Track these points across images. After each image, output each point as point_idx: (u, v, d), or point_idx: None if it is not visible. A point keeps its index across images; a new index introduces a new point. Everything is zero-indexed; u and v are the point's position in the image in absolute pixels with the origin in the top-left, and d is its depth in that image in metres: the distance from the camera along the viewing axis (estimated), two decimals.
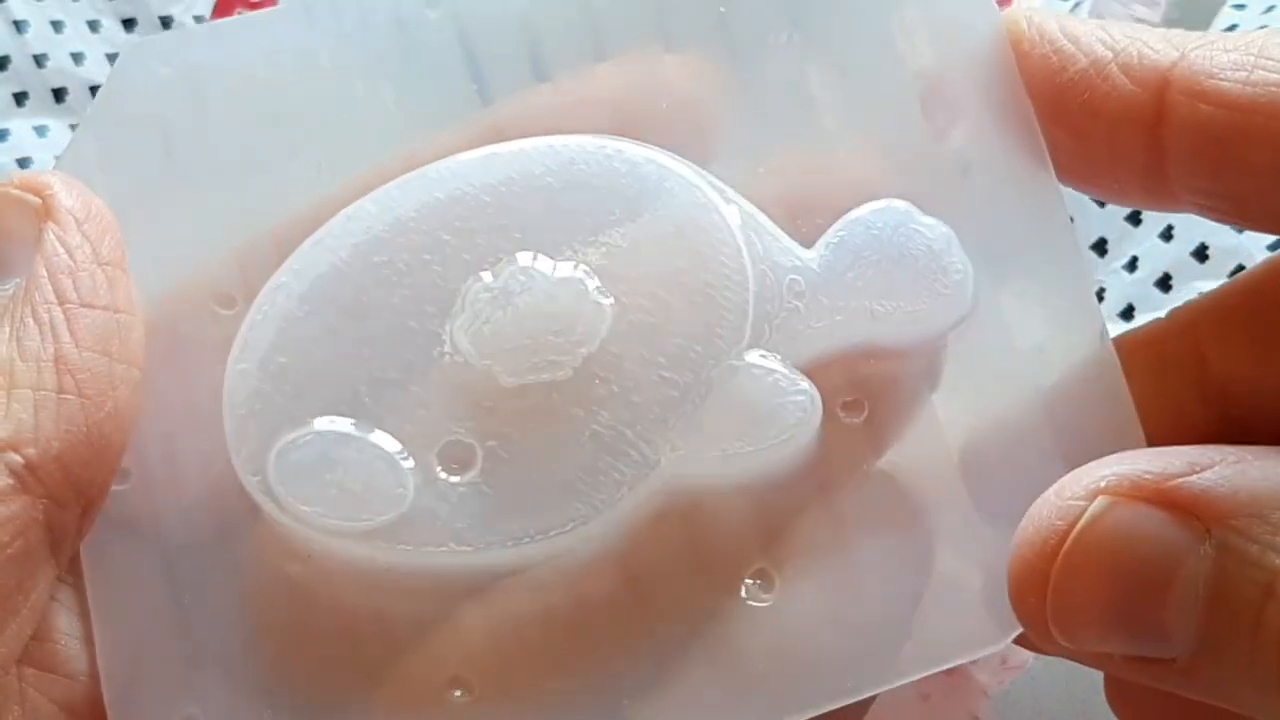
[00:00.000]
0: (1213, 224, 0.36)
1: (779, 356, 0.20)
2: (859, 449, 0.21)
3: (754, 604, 0.20)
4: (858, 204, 0.21)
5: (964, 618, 0.21)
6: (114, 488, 0.20)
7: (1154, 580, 0.18)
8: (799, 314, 0.21)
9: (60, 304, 0.19)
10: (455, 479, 0.20)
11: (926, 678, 0.21)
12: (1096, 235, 0.39)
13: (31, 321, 0.19)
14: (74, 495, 0.18)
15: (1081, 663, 0.19)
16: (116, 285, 0.19)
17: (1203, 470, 0.18)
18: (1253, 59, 0.19)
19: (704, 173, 0.21)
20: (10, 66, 0.40)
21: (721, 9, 0.22)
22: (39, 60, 0.40)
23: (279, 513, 0.19)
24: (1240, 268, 0.36)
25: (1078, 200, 0.37)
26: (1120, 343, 0.22)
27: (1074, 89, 0.20)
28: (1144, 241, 0.38)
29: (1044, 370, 0.21)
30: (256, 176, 0.21)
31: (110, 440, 0.19)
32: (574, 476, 0.20)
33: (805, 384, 0.20)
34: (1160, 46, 0.20)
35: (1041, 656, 0.32)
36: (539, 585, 0.20)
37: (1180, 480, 0.18)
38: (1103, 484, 0.18)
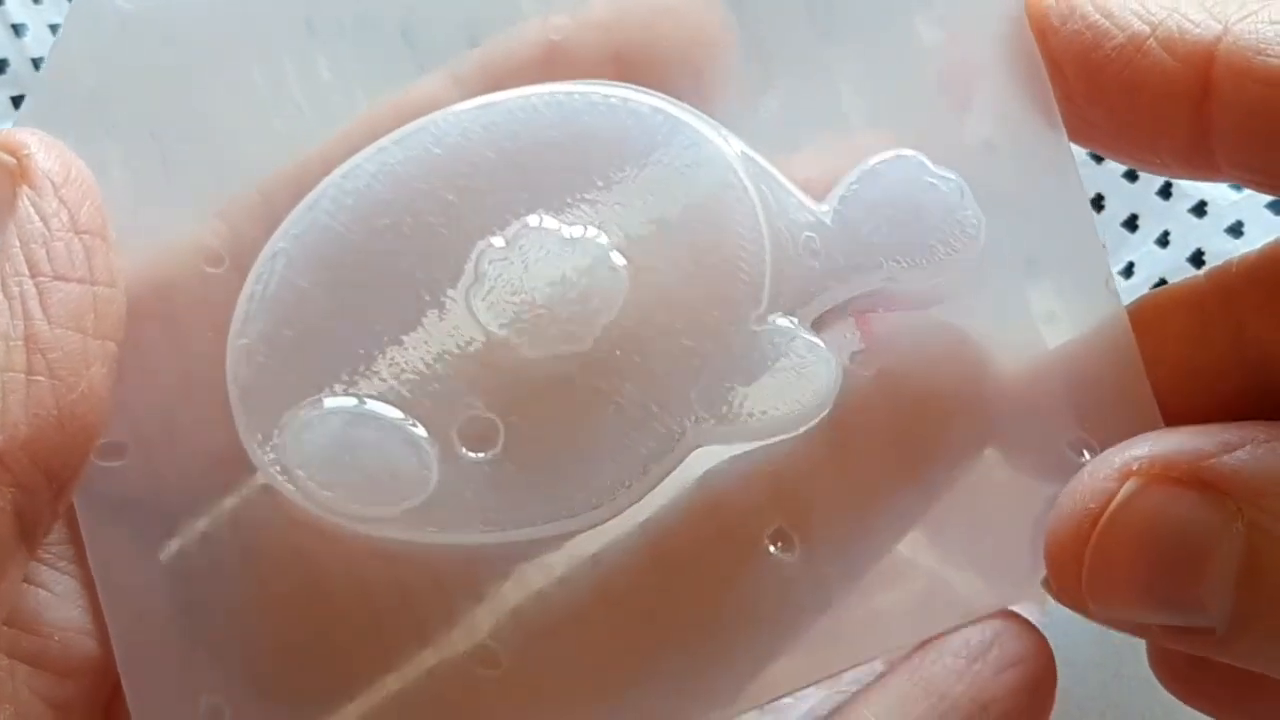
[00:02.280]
0: (1208, 230, 0.37)
1: (796, 320, 0.20)
2: (869, 402, 0.20)
3: (774, 565, 0.20)
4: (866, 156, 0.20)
5: (990, 570, 0.20)
6: (111, 464, 0.19)
7: (1187, 559, 0.18)
8: (814, 274, 0.20)
9: (32, 277, 0.18)
10: (477, 456, 0.19)
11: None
12: None
13: (1, 296, 0.18)
14: (44, 481, 0.18)
15: (1124, 631, 0.19)
16: (95, 255, 0.18)
17: (1234, 449, 0.18)
18: None
19: (714, 122, 0.20)
20: (9, 70, 0.40)
21: None
22: (37, 64, 0.40)
23: (299, 497, 0.19)
24: None
25: None
26: (1155, 301, 0.21)
27: (1111, 66, 0.20)
28: (1140, 247, 0.38)
29: (1056, 336, 0.21)
30: (236, 128, 0.20)
31: (83, 421, 0.18)
32: (600, 453, 0.19)
33: (827, 350, 0.20)
34: (1200, 18, 0.19)
35: None
36: (565, 559, 0.20)
37: (1211, 460, 0.18)
38: (1134, 466, 0.18)
